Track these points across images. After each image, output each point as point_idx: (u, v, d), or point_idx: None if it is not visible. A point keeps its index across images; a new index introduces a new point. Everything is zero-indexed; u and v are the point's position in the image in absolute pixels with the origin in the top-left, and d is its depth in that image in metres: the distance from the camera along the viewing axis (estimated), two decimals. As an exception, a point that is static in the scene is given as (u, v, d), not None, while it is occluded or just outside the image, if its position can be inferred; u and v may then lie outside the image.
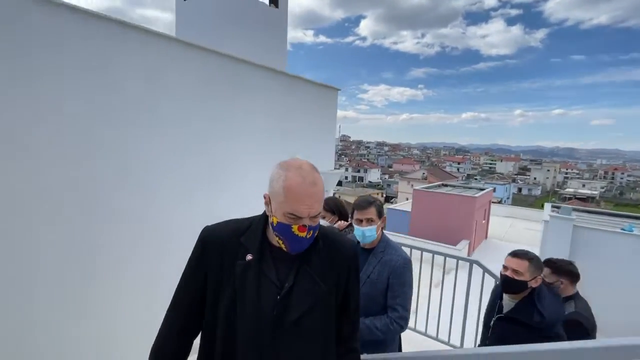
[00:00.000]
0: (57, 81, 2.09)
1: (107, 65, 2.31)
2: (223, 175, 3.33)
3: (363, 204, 1.79)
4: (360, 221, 1.77)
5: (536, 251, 2.77)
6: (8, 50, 1.87)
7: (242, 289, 0.97)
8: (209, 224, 1.08)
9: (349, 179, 68.05)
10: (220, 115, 3.22)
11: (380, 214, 1.79)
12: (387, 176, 67.37)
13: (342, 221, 2.23)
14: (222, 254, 1.01)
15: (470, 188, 15.80)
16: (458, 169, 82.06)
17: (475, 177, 68.76)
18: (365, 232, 1.74)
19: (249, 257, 0.99)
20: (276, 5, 4.00)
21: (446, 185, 16.27)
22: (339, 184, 64.12)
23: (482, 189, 14.94)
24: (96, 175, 2.35)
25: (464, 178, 61.65)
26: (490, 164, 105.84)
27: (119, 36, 2.36)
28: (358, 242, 1.81)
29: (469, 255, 11.52)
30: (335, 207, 2.24)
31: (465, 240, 11.48)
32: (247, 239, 1.01)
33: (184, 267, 1.07)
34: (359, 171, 68.69)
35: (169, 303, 1.07)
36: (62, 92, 2.12)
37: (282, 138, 3.88)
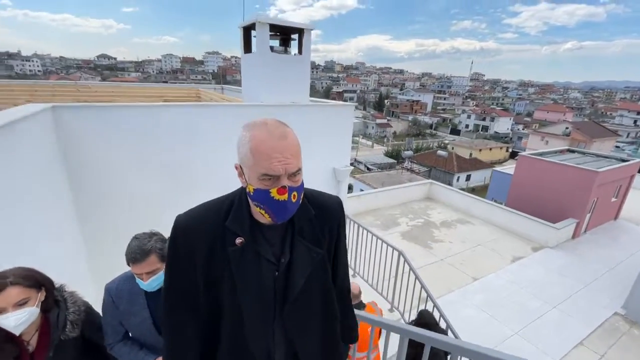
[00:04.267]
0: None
1: (195, 126, 3.88)
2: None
3: (136, 255, 1.41)
4: (139, 275, 1.45)
5: None
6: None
7: (240, 276, 0.93)
8: (180, 213, 0.96)
9: (470, 127, 60.45)
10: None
11: (163, 257, 1.45)
12: (521, 127, 56.80)
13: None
14: (208, 242, 0.93)
15: (609, 158, 12.81)
16: (636, 122, 57.79)
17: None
18: (151, 284, 1.45)
19: (238, 240, 0.93)
20: (300, 53, 4.97)
21: (573, 152, 13.56)
22: (456, 132, 58.07)
23: (624, 160, 11.98)
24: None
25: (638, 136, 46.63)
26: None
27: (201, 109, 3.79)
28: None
29: (575, 236, 10.18)
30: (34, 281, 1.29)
31: (572, 220, 10.06)
32: (233, 222, 0.93)
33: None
34: (484, 119, 59.66)
35: None
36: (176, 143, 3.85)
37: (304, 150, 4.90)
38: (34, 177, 2.38)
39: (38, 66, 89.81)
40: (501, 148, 40.37)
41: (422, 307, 3.52)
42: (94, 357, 1.53)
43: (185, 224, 0.94)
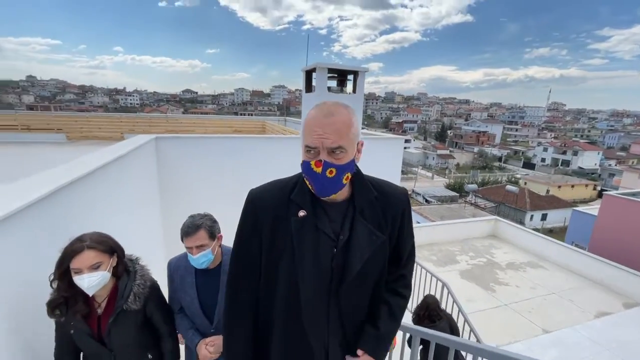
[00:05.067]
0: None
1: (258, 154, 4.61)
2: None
3: (189, 229, 1.58)
4: (189, 249, 1.60)
5: None
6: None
7: (299, 245, 0.99)
8: (253, 187, 1.08)
9: (547, 161, 54.50)
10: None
11: (212, 235, 1.62)
12: (613, 162, 49.42)
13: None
14: (274, 213, 1.02)
15: None
16: None
17: None
18: (198, 259, 1.58)
19: (301, 213, 1.00)
20: (354, 92, 5.45)
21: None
22: (530, 166, 52.66)
23: None
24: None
25: None
26: None
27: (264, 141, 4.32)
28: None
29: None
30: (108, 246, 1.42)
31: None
32: (297, 196, 1.01)
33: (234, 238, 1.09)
34: (564, 152, 53.37)
35: None
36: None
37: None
38: (142, 183, 3.53)
39: (137, 100, 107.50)
40: (587, 186, 35.49)
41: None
42: (149, 335, 1.55)
43: (255, 197, 1.06)
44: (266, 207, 1.03)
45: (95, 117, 11.70)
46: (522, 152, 61.02)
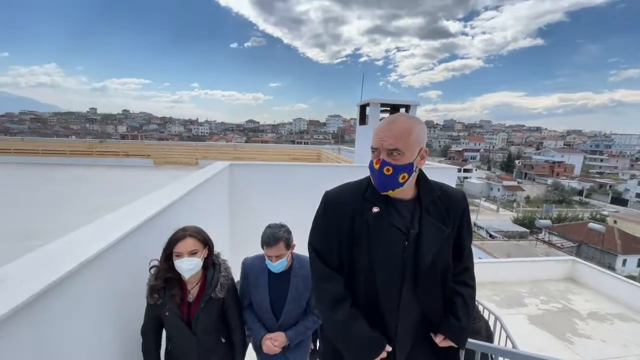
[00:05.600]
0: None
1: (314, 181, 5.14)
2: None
3: (270, 241, 1.80)
4: (269, 257, 1.84)
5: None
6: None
7: (375, 237, 1.12)
8: (328, 189, 1.25)
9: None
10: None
11: (288, 245, 1.85)
12: None
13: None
14: (351, 209, 1.16)
15: None
16: None
17: None
18: (276, 266, 1.84)
19: (375, 209, 1.13)
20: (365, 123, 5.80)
21: None
22: (621, 202, 45.26)
23: None
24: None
25: None
26: None
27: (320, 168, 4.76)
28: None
29: None
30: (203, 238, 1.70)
31: None
32: (371, 194, 1.15)
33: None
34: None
35: None
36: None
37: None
38: (219, 201, 4.49)
39: (207, 129, 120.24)
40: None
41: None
42: (224, 324, 1.76)
43: (332, 196, 1.23)
44: (343, 203, 1.18)
45: (175, 145, 14.24)
46: (610, 186, 53.13)
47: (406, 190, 1.16)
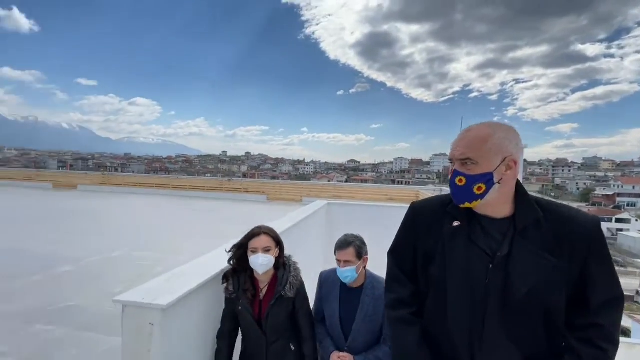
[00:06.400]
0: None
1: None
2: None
3: (341, 244, 1.82)
4: (339, 262, 1.82)
5: None
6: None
7: (450, 253, 1.03)
8: (415, 201, 1.24)
9: None
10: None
11: (359, 255, 1.81)
12: None
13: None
14: (430, 221, 1.11)
15: None
16: None
17: None
18: (343, 273, 1.79)
19: (455, 223, 1.05)
20: None
21: None
22: None
23: None
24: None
25: None
26: None
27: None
28: None
29: None
30: (276, 237, 1.81)
31: None
32: (454, 207, 1.06)
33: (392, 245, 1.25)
34: None
35: None
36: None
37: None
38: (319, 232, 5.26)
39: (312, 169, 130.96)
40: None
41: None
42: (294, 329, 1.77)
43: (416, 208, 1.21)
44: (424, 215, 1.15)
45: (285, 183, 18.04)
46: None
47: (495, 206, 1.01)
